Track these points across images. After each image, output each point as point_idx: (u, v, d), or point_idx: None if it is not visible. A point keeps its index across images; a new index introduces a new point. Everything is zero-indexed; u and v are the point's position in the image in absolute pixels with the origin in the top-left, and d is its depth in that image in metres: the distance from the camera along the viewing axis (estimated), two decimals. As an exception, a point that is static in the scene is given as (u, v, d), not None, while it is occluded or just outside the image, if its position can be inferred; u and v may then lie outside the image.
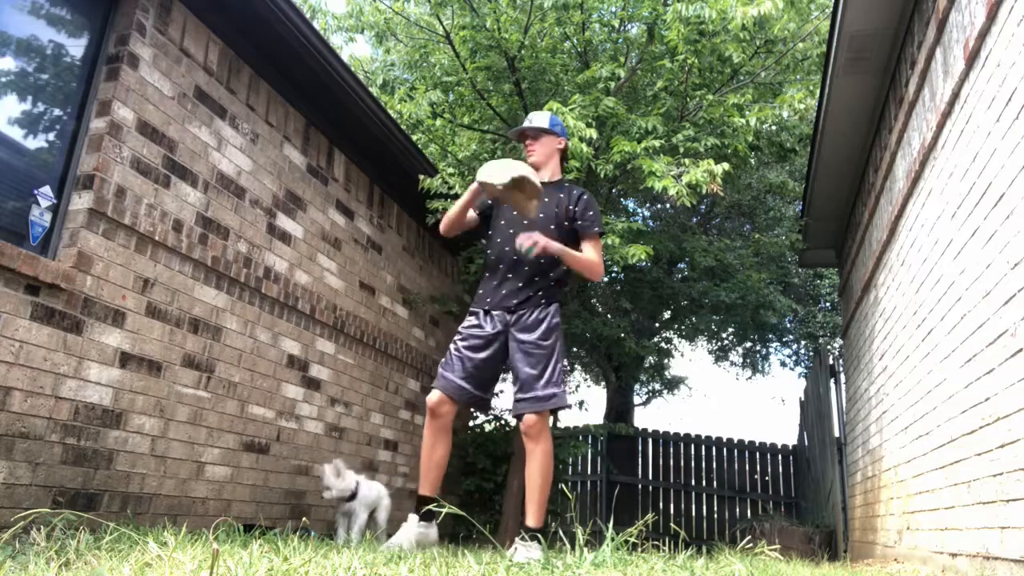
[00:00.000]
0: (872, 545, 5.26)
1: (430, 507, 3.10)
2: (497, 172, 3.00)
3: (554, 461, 3.07)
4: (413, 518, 3.11)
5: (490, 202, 3.37)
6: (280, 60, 4.47)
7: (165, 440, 3.63)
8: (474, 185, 3.19)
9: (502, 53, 5.84)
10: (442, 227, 3.42)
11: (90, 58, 3.44)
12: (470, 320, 3.27)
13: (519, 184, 2.99)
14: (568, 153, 3.36)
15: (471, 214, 3.38)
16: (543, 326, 3.14)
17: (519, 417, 3.12)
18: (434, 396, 3.15)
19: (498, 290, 3.23)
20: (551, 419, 3.15)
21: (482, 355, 3.17)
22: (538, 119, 3.35)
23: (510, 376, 3.26)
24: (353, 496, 4.09)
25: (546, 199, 3.25)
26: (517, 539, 2.98)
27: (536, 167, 3.30)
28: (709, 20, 5.24)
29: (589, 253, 3.26)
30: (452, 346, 3.24)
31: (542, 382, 3.07)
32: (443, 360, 3.24)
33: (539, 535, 2.95)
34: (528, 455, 3.10)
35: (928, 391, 3.80)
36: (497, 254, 3.28)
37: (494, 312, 3.22)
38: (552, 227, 3.23)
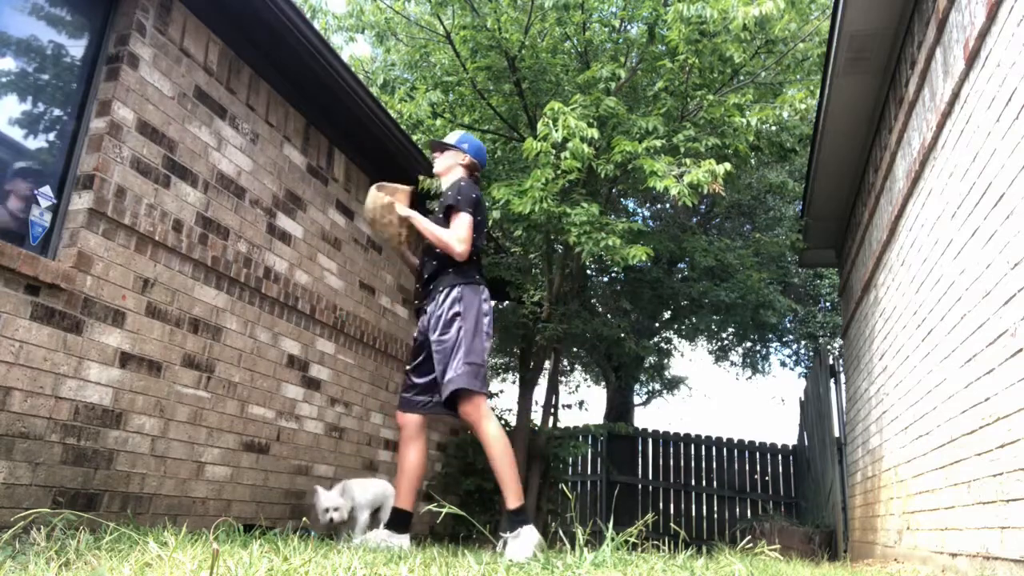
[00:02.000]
0: (872, 545, 5.25)
1: (403, 518, 3.27)
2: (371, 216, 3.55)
3: (503, 440, 3.13)
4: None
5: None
6: (280, 60, 4.47)
7: (165, 440, 3.63)
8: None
9: (502, 53, 5.84)
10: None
11: (90, 58, 3.44)
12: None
13: (381, 213, 3.49)
14: (477, 167, 3.64)
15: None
16: (441, 321, 3.29)
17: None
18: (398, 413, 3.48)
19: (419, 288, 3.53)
20: (476, 399, 3.18)
21: (416, 360, 3.42)
22: (450, 137, 3.67)
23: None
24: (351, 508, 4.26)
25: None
26: (502, 533, 3.00)
27: (438, 174, 3.67)
28: (710, 20, 5.23)
29: (443, 225, 3.41)
30: None
31: (447, 376, 3.20)
32: None
33: (523, 517, 2.96)
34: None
35: (928, 391, 3.80)
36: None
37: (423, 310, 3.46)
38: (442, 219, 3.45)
